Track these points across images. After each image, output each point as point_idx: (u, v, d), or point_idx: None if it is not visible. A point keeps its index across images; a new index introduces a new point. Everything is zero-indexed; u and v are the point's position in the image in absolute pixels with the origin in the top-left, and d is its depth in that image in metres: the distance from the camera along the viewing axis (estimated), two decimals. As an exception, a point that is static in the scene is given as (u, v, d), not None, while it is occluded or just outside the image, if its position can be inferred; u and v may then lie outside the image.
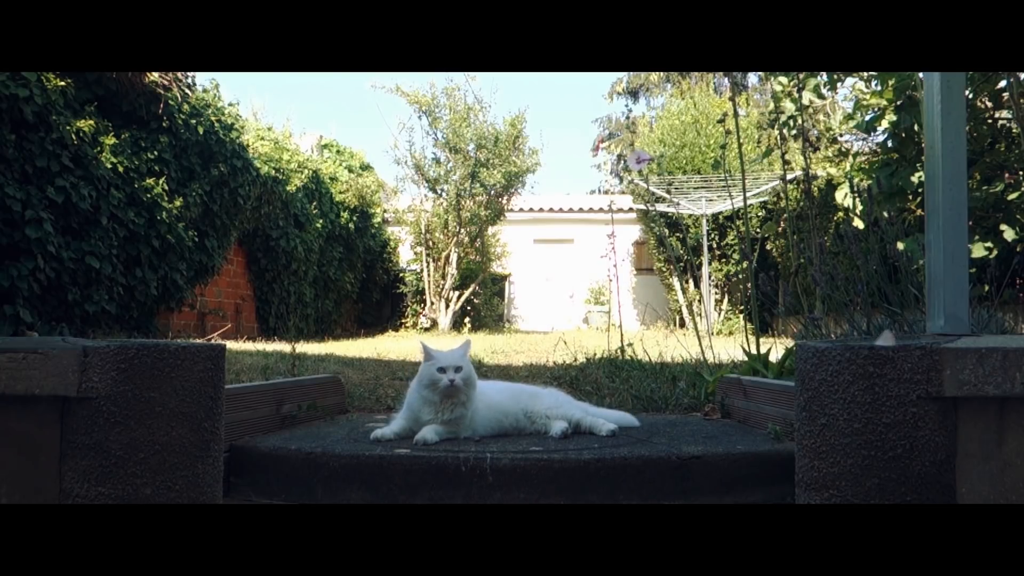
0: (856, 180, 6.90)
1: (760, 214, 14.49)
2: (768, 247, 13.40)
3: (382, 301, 15.97)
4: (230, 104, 9.48)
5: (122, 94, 7.18)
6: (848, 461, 1.63)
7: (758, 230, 13.22)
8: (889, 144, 6.30)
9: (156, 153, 7.54)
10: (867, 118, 6.75)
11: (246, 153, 9.27)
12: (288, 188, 10.81)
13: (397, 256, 16.22)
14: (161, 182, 7.49)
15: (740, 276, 14.64)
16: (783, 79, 5.99)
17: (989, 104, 5.88)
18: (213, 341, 2.59)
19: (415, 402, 2.50)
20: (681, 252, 14.40)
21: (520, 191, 15.29)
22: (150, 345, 1.70)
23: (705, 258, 13.74)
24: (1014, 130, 5.73)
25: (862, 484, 1.61)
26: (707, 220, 13.88)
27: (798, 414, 1.75)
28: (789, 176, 8.78)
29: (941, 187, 2.16)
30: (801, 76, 5.51)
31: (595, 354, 5.73)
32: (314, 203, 11.95)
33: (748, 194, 8.78)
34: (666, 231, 14.71)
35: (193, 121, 8.08)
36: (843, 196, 7.30)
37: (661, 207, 14.01)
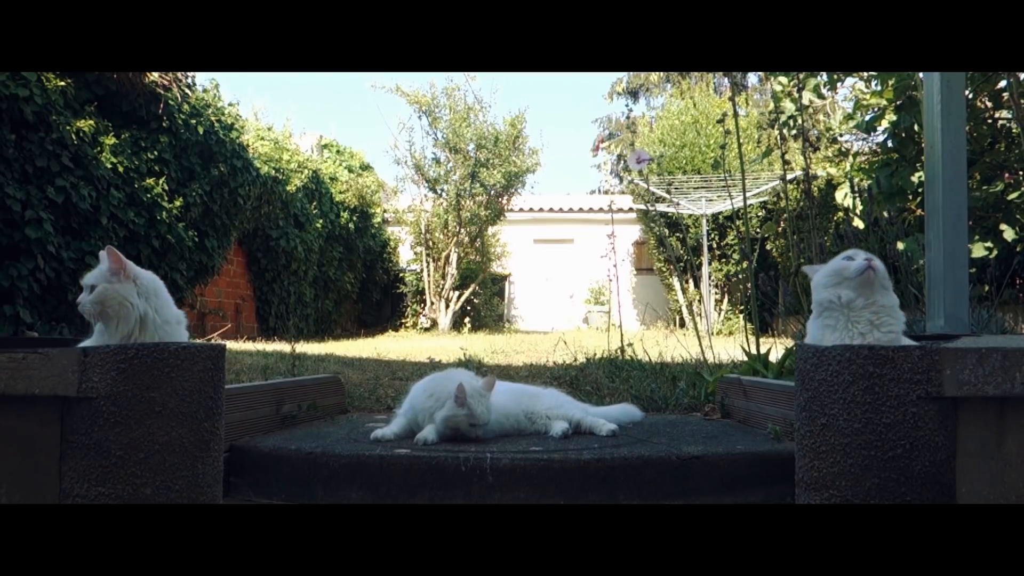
0: (856, 180, 6.90)
1: (760, 214, 14.49)
2: (768, 247, 13.39)
3: (382, 301, 15.96)
4: (230, 104, 9.48)
5: (122, 94, 7.18)
6: (848, 461, 1.63)
7: (758, 230, 13.22)
8: (889, 144, 6.30)
9: (156, 153, 7.54)
10: (867, 118, 6.76)
11: (246, 153, 9.27)
12: (288, 188, 10.81)
13: (397, 256, 16.21)
14: (161, 182, 7.48)
15: (740, 276, 14.64)
16: (783, 79, 6.00)
17: (989, 104, 5.88)
18: (213, 341, 2.59)
19: (421, 413, 2.49)
20: (681, 252, 14.40)
21: (520, 191, 15.28)
22: (150, 345, 1.70)
23: (705, 258, 13.74)
24: (1014, 130, 5.73)
25: (862, 484, 1.61)
26: (707, 220, 13.88)
27: (798, 414, 1.75)
28: (789, 176, 8.77)
29: (941, 187, 2.16)
30: (801, 76, 5.51)
31: (595, 354, 5.73)
32: (314, 203, 11.95)
33: (748, 194, 8.78)
34: (666, 231, 14.71)
35: (193, 121, 8.08)
36: (843, 196, 7.30)
37: (661, 207, 14.01)
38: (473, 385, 2.41)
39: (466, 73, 14.59)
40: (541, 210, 18.74)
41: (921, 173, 5.48)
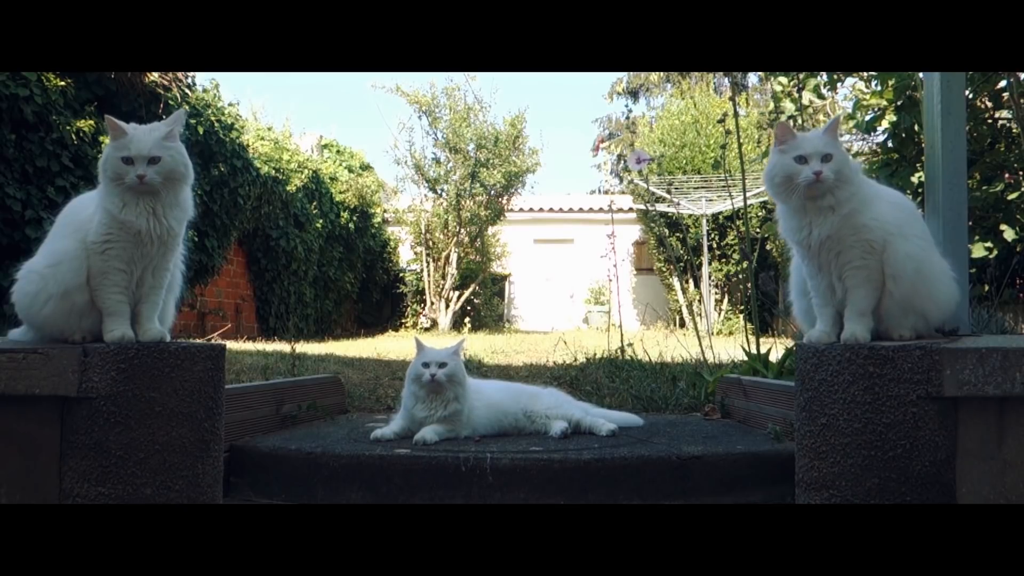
0: (856, 180, 6.86)
1: (760, 214, 14.47)
2: (768, 247, 13.37)
3: (382, 301, 15.95)
4: (230, 104, 9.47)
5: (122, 94, 7.17)
6: (848, 461, 1.63)
7: (758, 230, 13.20)
8: (889, 144, 6.29)
9: (156, 153, 7.53)
10: (867, 118, 6.74)
11: (246, 153, 9.26)
12: (288, 188, 10.80)
13: (397, 256, 16.20)
14: (161, 182, 7.48)
15: (740, 276, 14.63)
16: (783, 79, 5.98)
17: (989, 104, 5.88)
18: (213, 341, 2.59)
19: (407, 398, 2.53)
20: (681, 252, 14.40)
21: (520, 191, 15.28)
22: (150, 345, 1.70)
23: (705, 258, 13.73)
24: (1014, 130, 5.73)
25: (862, 484, 1.61)
26: (707, 220, 13.88)
27: (798, 414, 1.75)
28: (789, 176, 8.73)
29: (941, 187, 2.16)
30: (801, 76, 5.50)
31: (595, 354, 5.72)
32: (314, 203, 11.94)
33: (748, 194, 8.76)
34: (666, 231, 14.70)
35: (193, 121, 8.07)
36: (843, 196, 7.26)
37: (661, 207, 14.00)
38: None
39: (466, 73, 14.59)
40: (541, 210, 18.73)
41: (921, 173, 5.47)
